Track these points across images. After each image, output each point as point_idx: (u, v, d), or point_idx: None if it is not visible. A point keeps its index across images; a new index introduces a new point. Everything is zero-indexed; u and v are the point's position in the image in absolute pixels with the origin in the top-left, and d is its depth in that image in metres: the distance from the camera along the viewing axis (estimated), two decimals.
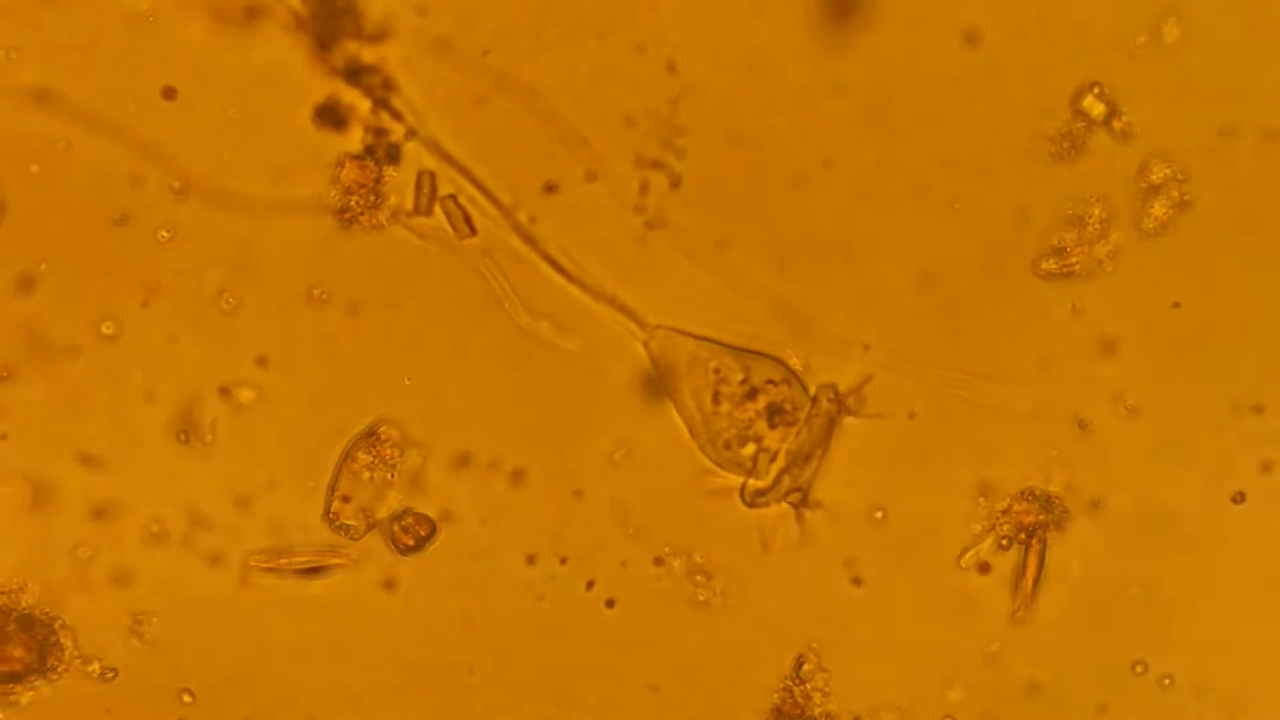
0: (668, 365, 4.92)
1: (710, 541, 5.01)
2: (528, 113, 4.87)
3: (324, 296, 4.91)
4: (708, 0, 4.89)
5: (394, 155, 4.84)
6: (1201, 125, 4.88)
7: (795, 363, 4.94)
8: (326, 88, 4.79)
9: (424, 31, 4.81)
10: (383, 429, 4.93)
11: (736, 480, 4.94)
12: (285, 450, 4.94)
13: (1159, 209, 4.89)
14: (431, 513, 4.96)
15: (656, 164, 4.92)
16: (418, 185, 4.87)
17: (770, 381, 4.93)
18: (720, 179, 4.95)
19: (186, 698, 4.96)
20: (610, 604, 5.02)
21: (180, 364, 4.91)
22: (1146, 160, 4.88)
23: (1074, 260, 4.92)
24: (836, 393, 4.92)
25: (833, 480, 4.98)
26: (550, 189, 4.90)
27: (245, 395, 4.91)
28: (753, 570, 5.03)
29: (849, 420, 4.94)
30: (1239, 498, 4.98)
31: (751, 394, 4.92)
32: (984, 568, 5.01)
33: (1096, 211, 4.90)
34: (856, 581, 5.03)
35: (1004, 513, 4.98)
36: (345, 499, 4.92)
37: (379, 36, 4.79)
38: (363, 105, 4.81)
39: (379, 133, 4.83)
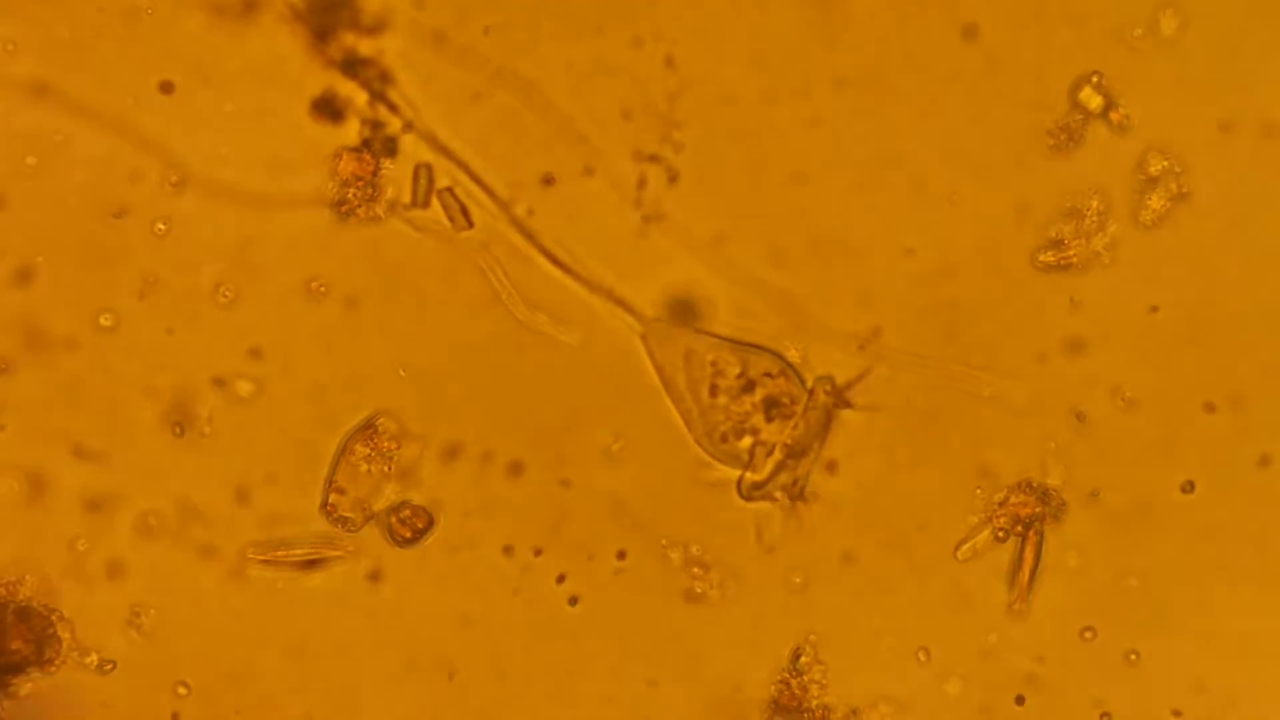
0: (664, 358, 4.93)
1: (708, 534, 5.01)
2: (525, 106, 4.87)
3: (322, 289, 4.91)
4: None
5: (391, 148, 4.84)
6: (1199, 118, 4.88)
7: (793, 355, 4.94)
8: (323, 80, 4.80)
9: (421, 24, 4.82)
10: (380, 421, 4.93)
11: (733, 473, 4.94)
12: (282, 443, 4.95)
13: (1156, 201, 4.89)
14: (429, 505, 4.96)
15: (654, 158, 4.92)
16: (415, 178, 4.87)
17: (767, 374, 4.92)
18: (718, 173, 4.95)
19: (182, 690, 4.97)
20: (573, 601, 5.02)
21: (178, 356, 4.91)
22: (1144, 153, 4.88)
23: (1071, 253, 4.91)
24: (834, 386, 4.92)
25: (829, 473, 4.98)
26: (547, 182, 4.90)
27: (243, 388, 4.92)
28: (749, 563, 5.02)
29: (846, 413, 4.94)
30: (1188, 487, 4.98)
31: (748, 387, 4.92)
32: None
33: (1094, 204, 4.89)
34: (843, 559, 5.04)
35: (1001, 505, 4.98)
36: (342, 491, 4.92)
37: (376, 29, 4.79)
38: (360, 98, 4.81)
39: (376, 125, 4.83)
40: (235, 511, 4.93)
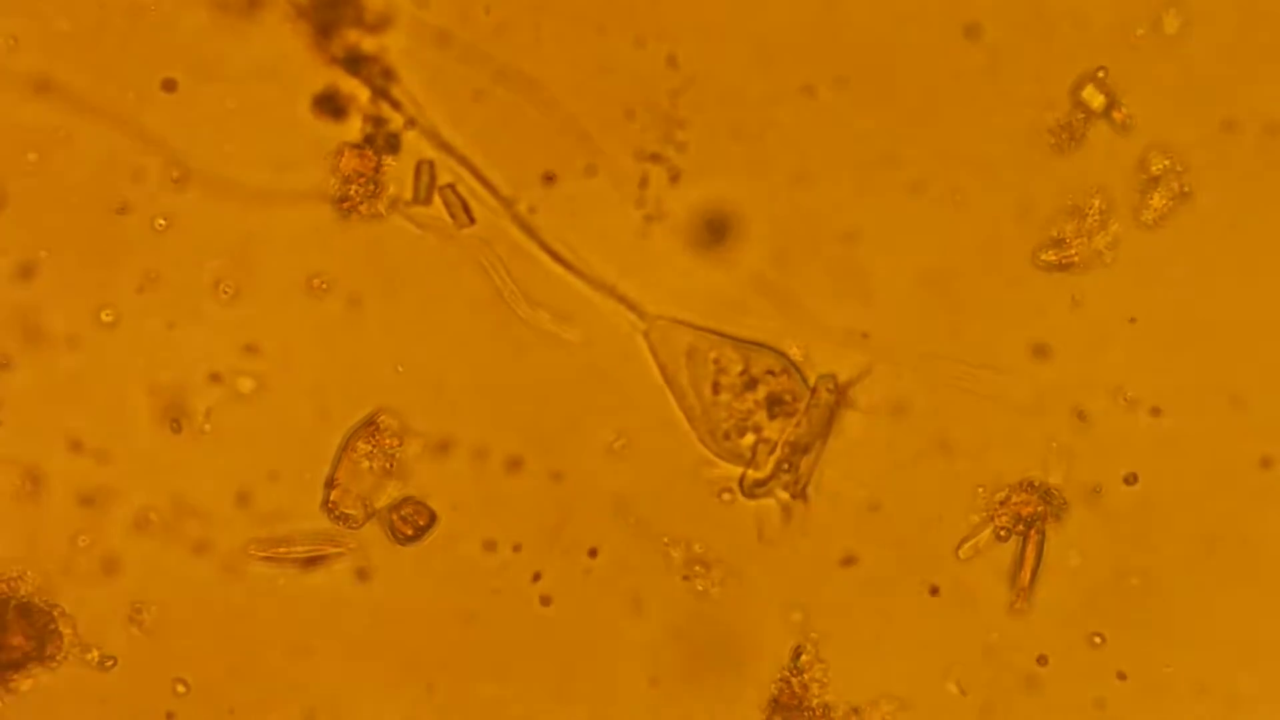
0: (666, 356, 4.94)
1: (709, 531, 5.01)
2: (528, 104, 4.88)
3: (323, 286, 4.91)
4: None
5: (393, 144, 4.85)
6: (1201, 117, 4.88)
7: (796, 353, 4.94)
8: (326, 77, 4.80)
9: (424, 21, 4.82)
10: (382, 419, 4.93)
11: (735, 471, 4.94)
12: (284, 439, 4.95)
13: (1158, 200, 4.89)
14: (431, 502, 4.96)
15: (656, 157, 4.92)
16: (417, 174, 4.87)
17: (770, 372, 4.92)
18: (720, 172, 4.95)
19: (180, 688, 4.97)
20: (545, 601, 5.02)
21: (180, 353, 4.91)
22: (1146, 152, 4.88)
23: (1073, 251, 4.91)
24: (836, 383, 4.92)
25: (832, 471, 4.98)
26: (549, 179, 4.90)
27: (244, 384, 4.92)
28: (751, 560, 5.02)
29: (848, 411, 4.94)
30: (1131, 479, 4.97)
31: (751, 384, 4.92)
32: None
33: (1096, 203, 4.89)
34: (845, 558, 5.04)
35: (1003, 503, 4.97)
36: (344, 488, 4.92)
37: (379, 26, 4.79)
38: (362, 94, 4.82)
39: (378, 122, 4.83)
40: (236, 508, 4.93)
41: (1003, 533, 4.98)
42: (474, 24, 4.86)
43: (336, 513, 4.92)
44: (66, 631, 4.91)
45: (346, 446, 4.92)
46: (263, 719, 5.02)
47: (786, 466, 4.91)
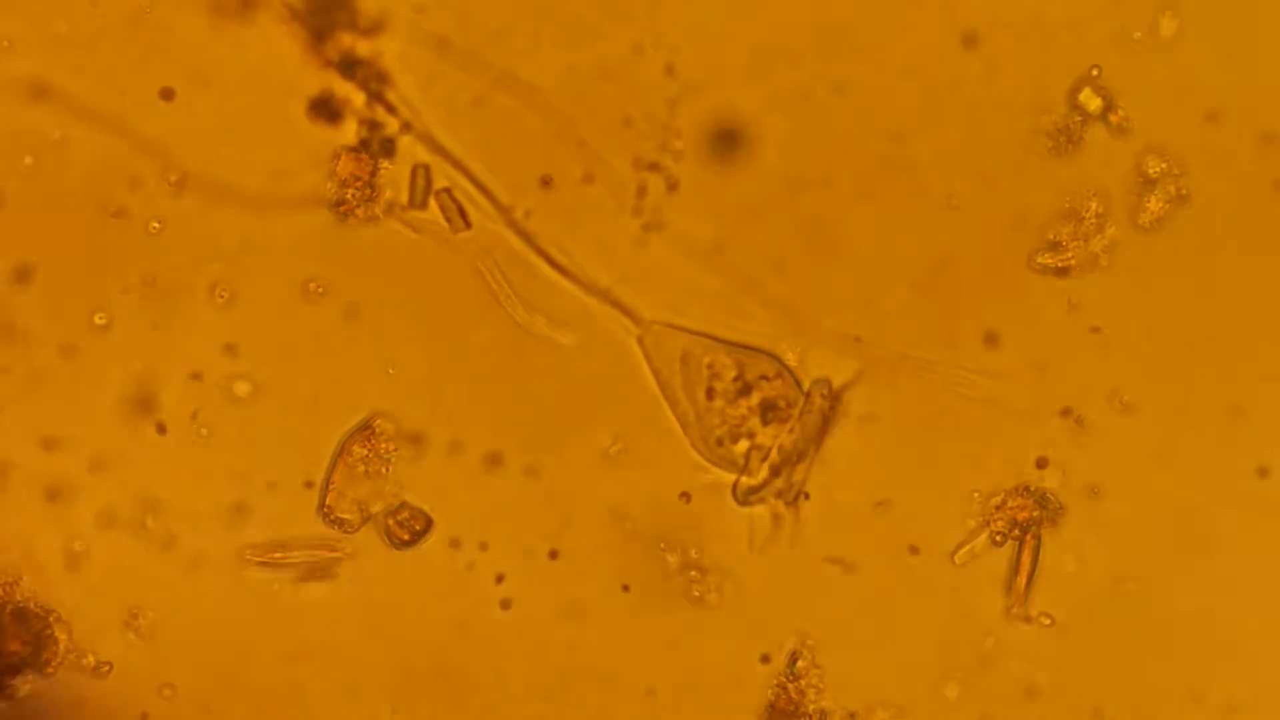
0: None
1: (705, 538, 4.99)
2: (525, 110, 4.89)
3: (319, 290, 4.92)
4: (706, 2, 4.90)
5: (389, 149, 4.86)
6: (1198, 120, 4.87)
7: (790, 359, 4.93)
8: (321, 81, 4.82)
9: (419, 26, 4.83)
10: (378, 423, 4.93)
11: (729, 477, 4.93)
12: (280, 444, 4.95)
13: (1155, 204, 4.88)
14: (425, 507, 4.96)
15: (654, 166, 4.92)
16: (413, 179, 4.88)
17: (764, 377, 4.91)
18: (717, 181, 4.95)
19: (167, 691, 4.96)
20: (505, 605, 5.00)
21: (174, 356, 4.92)
22: (1143, 155, 4.87)
23: (1070, 255, 4.90)
24: (830, 389, 4.91)
25: (826, 477, 4.96)
26: (546, 183, 4.91)
27: (241, 388, 4.92)
28: (747, 567, 5.01)
29: (843, 416, 4.93)
30: (1042, 462, 4.95)
31: (745, 390, 4.91)
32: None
33: (1093, 206, 4.89)
34: (840, 564, 5.02)
35: (998, 508, 4.95)
36: (340, 493, 4.92)
37: (373, 30, 4.81)
38: (357, 98, 4.83)
39: (374, 126, 4.84)
40: (232, 513, 4.93)
41: (999, 538, 4.97)
42: (471, 29, 4.87)
43: (332, 517, 4.92)
44: (62, 637, 4.91)
45: (342, 451, 4.92)
46: None
47: (779, 472, 4.90)
